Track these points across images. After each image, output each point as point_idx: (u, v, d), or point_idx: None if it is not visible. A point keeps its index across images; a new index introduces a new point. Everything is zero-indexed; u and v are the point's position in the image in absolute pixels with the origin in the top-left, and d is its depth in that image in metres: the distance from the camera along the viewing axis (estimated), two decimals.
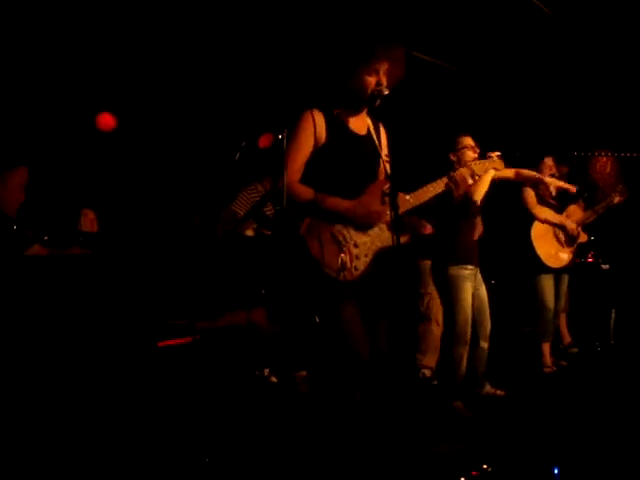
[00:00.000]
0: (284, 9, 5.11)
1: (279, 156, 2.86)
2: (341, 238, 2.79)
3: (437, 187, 3.05)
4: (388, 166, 3.00)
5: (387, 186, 2.87)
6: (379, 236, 2.88)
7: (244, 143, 5.23)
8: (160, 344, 4.14)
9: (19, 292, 3.08)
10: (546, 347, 5.31)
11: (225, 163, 5.42)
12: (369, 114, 3.06)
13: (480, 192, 4.15)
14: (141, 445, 3.29)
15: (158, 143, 5.84)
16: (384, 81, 2.85)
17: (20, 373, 3.06)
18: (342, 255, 2.75)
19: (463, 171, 3.15)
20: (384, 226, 2.89)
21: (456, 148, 4.22)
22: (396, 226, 2.65)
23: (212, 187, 5.53)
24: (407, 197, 2.93)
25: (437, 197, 3.09)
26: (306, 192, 2.81)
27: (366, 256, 2.82)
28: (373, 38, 3.02)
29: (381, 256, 2.87)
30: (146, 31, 5.12)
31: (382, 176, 3.02)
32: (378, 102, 2.88)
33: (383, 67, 2.86)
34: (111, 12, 4.85)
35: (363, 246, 2.82)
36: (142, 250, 4.45)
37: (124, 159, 5.75)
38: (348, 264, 2.75)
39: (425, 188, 3.03)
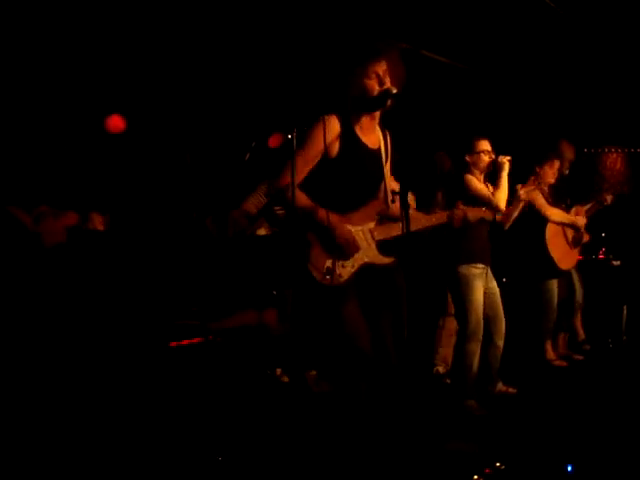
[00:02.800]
0: (292, 9, 5.11)
1: (288, 156, 2.84)
2: (331, 245, 2.81)
3: (431, 220, 3.18)
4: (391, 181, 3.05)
5: (381, 209, 2.96)
6: (366, 251, 2.90)
7: (254, 143, 5.24)
8: (172, 344, 4.17)
9: (33, 295, 3.10)
10: (549, 344, 5.45)
11: (235, 163, 5.43)
12: (380, 124, 3.04)
13: (504, 199, 4.17)
14: (153, 444, 3.31)
15: (168, 144, 5.86)
16: (387, 82, 2.83)
17: (33, 375, 3.08)
18: (328, 261, 2.79)
19: (459, 212, 3.31)
20: (373, 243, 2.92)
21: (473, 151, 4.23)
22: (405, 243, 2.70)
23: (222, 187, 5.54)
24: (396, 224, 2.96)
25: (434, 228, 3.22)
26: (302, 199, 2.80)
27: (352, 267, 2.85)
28: (365, 40, 3.01)
29: (367, 271, 2.90)
30: (155, 33, 5.14)
31: (381, 194, 3.02)
32: (389, 103, 2.85)
33: (382, 68, 2.83)
34: (120, 15, 4.87)
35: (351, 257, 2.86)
36: (154, 251, 4.47)
37: (134, 161, 5.77)
38: (331, 268, 2.78)
39: (419, 219, 3.13)
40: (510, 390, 4.43)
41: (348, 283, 2.81)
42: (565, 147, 5.83)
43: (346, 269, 2.82)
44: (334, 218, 2.80)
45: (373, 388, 2.81)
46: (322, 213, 2.78)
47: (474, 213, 3.43)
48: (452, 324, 5.03)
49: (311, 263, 2.77)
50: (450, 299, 5.04)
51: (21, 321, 3.01)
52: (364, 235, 2.90)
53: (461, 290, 4.14)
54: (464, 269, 4.13)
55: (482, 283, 4.17)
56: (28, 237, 3.10)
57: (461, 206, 3.40)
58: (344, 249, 2.82)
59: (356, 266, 2.85)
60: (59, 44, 5.01)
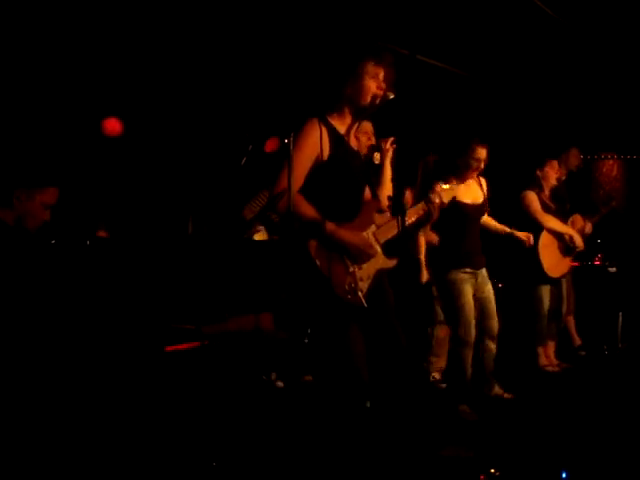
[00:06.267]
0: (289, 12, 5.12)
1: (283, 161, 2.82)
2: (347, 260, 2.78)
3: (415, 213, 3.09)
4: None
5: (377, 211, 2.92)
6: (377, 259, 2.87)
7: (250, 147, 5.23)
8: (168, 349, 4.16)
9: (28, 299, 3.08)
10: (541, 350, 5.45)
11: (231, 167, 5.42)
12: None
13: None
14: (148, 449, 3.30)
15: (164, 147, 5.85)
16: (384, 86, 2.83)
17: (29, 378, 3.07)
18: (349, 277, 2.75)
19: (436, 196, 3.16)
20: (379, 247, 2.89)
21: (473, 157, 4.20)
22: (399, 246, 2.67)
23: (218, 191, 5.54)
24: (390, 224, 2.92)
25: (416, 223, 3.13)
26: (309, 210, 2.73)
27: (368, 278, 2.82)
28: (364, 41, 3.00)
29: (379, 278, 2.87)
30: (152, 36, 5.14)
31: (369, 195, 3.00)
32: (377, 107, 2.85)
33: (381, 70, 2.83)
34: (117, 17, 4.87)
35: (365, 268, 2.82)
36: (150, 255, 4.45)
37: (130, 164, 5.76)
38: (354, 286, 2.75)
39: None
40: (506, 395, 4.42)
41: (366, 298, 2.76)
42: (573, 155, 5.86)
43: (365, 282, 2.79)
44: (343, 228, 2.76)
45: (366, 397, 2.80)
46: (330, 225, 2.72)
47: (446, 193, 3.26)
48: (442, 332, 5.03)
49: (332, 280, 2.70)
50: (438, 307, 5.04)
51: (17, 321, 2.99)
52: (371, 240, 2.86)
53: (450, 295, 4.15)
54: (451, 274, 4.14)
55: (471, 287, 4.16)
56: (11, 231, 3.05)
57: (436, 188, 3.29)
58: (363, 255, 2.78)
59: (371, 276, 2.82)
60: (57, 46, 5.01)
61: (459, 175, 4.18)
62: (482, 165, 4.20)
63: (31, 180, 3.08)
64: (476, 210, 4.27)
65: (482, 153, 4.19)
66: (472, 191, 4.27)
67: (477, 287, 4.21)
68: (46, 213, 3.15)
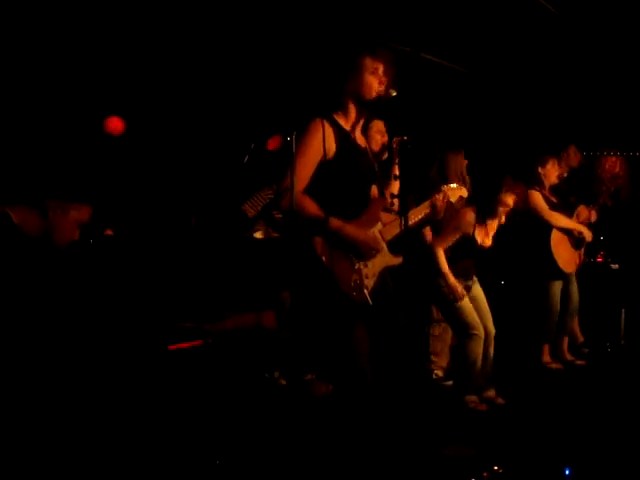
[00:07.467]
0: (290, 9, 5.12)
1: (287, 159, 2.81)
2: (353, 257, 2.77)
3: (420, 212, 3.08)
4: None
5: (384, 208, 2.92)
6: (382, 256, 2.86)
7: (253, 145, 5.23)
8: (171, 347, 4.16)
9: (33, 301, 3.08)
10: (546, 347, 5.43)
11: (234, 166, 5.42)
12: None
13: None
14: (151, 447, 3.30)
15: (166, 146, 5.86)
16: (386, 81, 2.82)
17: (31, 378, 3.07)
18: (354, 275, 2.74)
19: (441, 196, 3.14)
20: (385, 244, 2.88)
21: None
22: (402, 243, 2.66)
23: (221, 190, 5.54)
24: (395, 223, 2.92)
25: (421, 222, 3.12)
26: (313, 208, 2.72)
27: (374, 275, 2.81)
28: (365, 38, 2.98)
29: (384, 276, 2.87)
30: (153, 35, 5.14)
31: (376, 193, 2.99)
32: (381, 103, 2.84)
33: (381, 66, 2.82)
34: (119, 17, 4.87)
35: (371, 266, 2.81)
36: (153, 254, 4.46)
37: (133, 162, 5.77)
38: (359, 283, 2.74)
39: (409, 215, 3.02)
40: (499, 400, 4.36)
41: (372, 295, 2.75)
42: (573, 153, 5.86)
43: (370, 279, 2.77)
44: (350, 224, 2.75)
45: (371, 397, 2.79)
46: (336, 222, 2.71)
47: (453, 192, 3.25)
48: (436, 330, 5.02)
49: (338, 277, 2.69)
50: (433, 306, 5.02)
51: (21, 320, 2.98)
52: (377, 237, 2.85)
53: (445, 299, 4.14)
54: (441, 279, 4.13)
55: (465, 291, 4.18)
56: (29, 242, 2.96)
57: (443, 187, 3.23)
58: (369, 252, 2.77)
59: (377, 273, 2.81)
60: (59, 45, 5.02)
61: None
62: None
63: (70, 194, 2.95)
64: (482, 249, 4.30)
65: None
66: (484, 231, 4.29)
67: (470, 292, 4.22)
68: (76, 232, 3.02)
